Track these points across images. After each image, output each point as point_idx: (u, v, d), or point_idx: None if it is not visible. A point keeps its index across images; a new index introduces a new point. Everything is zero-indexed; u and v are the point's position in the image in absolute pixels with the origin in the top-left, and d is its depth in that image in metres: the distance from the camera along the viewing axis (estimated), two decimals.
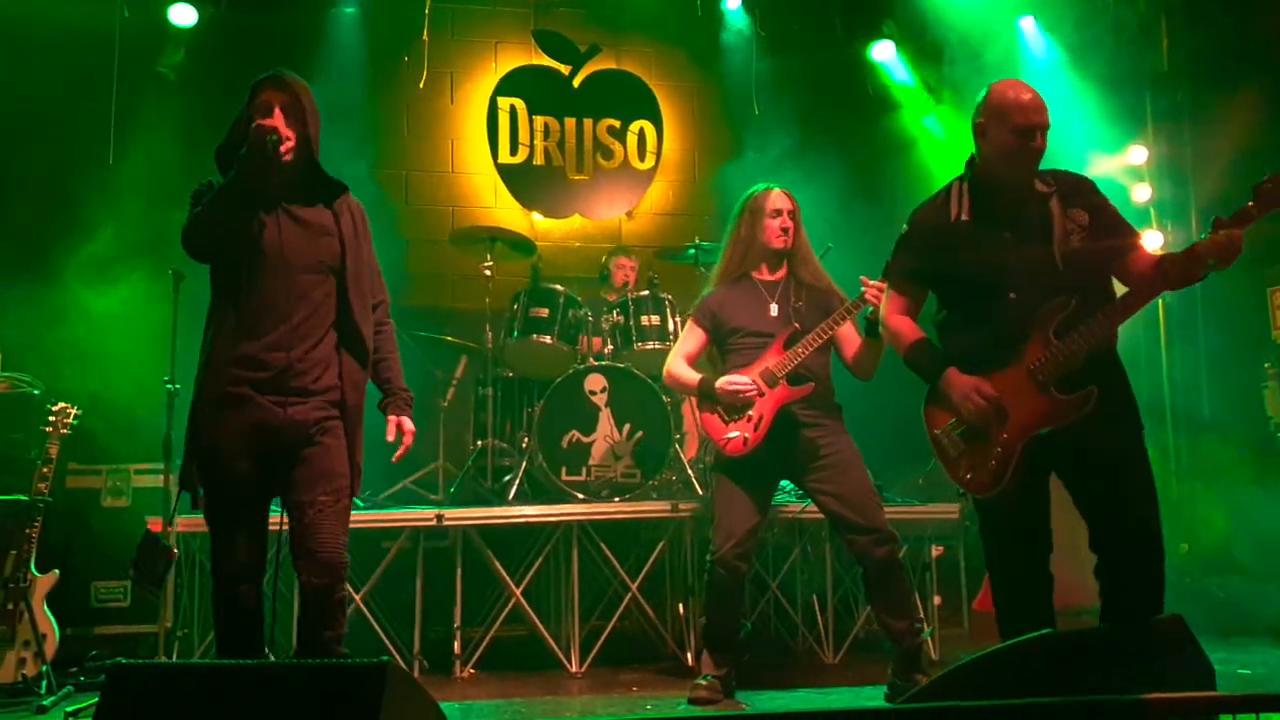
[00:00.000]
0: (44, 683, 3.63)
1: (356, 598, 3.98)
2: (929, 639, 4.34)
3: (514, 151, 6.37)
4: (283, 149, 2.59)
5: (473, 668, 4.18)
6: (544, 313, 4.75)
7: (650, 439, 4.50)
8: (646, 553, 4.47)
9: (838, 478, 3.42)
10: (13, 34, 5.11)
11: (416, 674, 4.01)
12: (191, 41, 5.64)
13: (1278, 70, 5.23)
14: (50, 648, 3.72)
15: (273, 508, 2.66)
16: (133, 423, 4.49)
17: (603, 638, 4.26)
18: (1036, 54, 6.12)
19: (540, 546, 4.38)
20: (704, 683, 3.48)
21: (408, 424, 2.83)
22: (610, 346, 4.78)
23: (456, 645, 4.18)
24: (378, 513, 4.30)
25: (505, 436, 4.90)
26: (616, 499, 4.41)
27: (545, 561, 4.38)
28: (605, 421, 4.51)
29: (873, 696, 3.56)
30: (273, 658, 3.18)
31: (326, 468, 2.57)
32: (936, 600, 4.55)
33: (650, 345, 4.64)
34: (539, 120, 6.41)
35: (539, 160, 6.38)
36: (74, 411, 3.95)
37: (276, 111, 2.61)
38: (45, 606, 3.77)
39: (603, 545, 4.36)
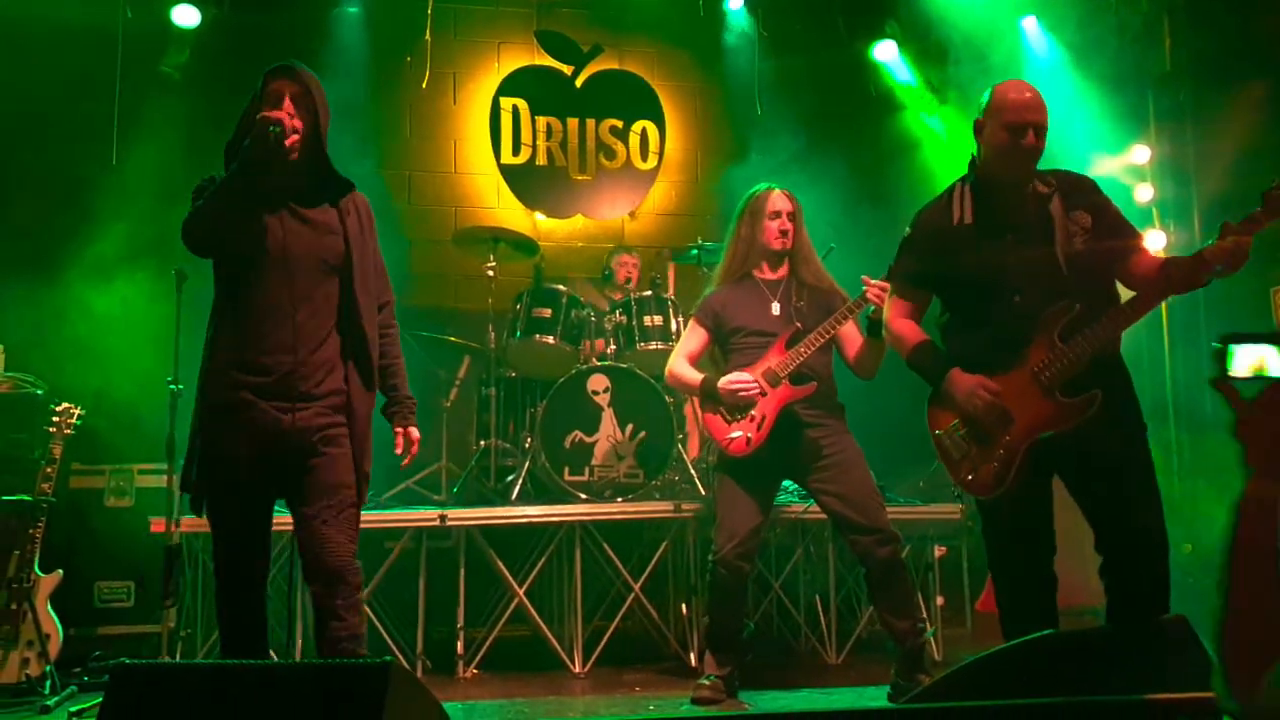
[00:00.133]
0: (48, 683, 3.64)
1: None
2: (932, 639, 4.35)
3: (516, 152, 6.37)
4: (289, 142, 2.51)
5: (476, 668, 4.19)
6: (547, 313, 4.76)
7: (653, 439, 4.50)
8: (649, 553, 4.47)
9: (840, 477, 3.41)
10: (16, 34, 5.11)
11: (419, 674, 4.02)
12: (194, 42, 5.64)
13: None
14: (54, 648, 3.72)
15: (277, 508, 2.65)
16: (136, 423, 4.50)
17: (605, 638, 4.26)
18: (1039, 54, 6.11)
19: (543, 547, 4.38)
20: (707, 683, 3.47)
21: (414, 433, 2.81)
22: (613, 347, 4.78)
23: (459, 645, 4.18)
24: (381, 513, 4.30)
25: (508, 437, 4.91)
26: (619, 499, 4.41)
27: (548, 562, 4.38)
28: (608, 421, 4.51)
29: (876, 697, 3.56)
30: (275, 658, 3.18)
31: (333, 480, 2.52)
32: (939, 601, 4.55)
33: (653, 345, 4.63)
34: (541, 120, 6.41)
35: (541, 160, 6.38)
36: (77, 412, 3.95)
37: (286, 101, 2.55)
38: (49, 606, 3.77)
39: (605, 545, 4.36)
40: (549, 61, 6.45)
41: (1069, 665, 1.62)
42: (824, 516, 3.69)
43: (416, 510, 4.30)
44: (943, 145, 6.31)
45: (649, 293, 4.79)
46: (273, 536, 2.66)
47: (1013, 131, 2.60)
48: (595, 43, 6.49)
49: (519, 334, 4.77)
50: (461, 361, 5.30)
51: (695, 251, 5.02)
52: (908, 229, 2.86)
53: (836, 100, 6.39)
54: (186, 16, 5.60)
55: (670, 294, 4.89)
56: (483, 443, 4.85)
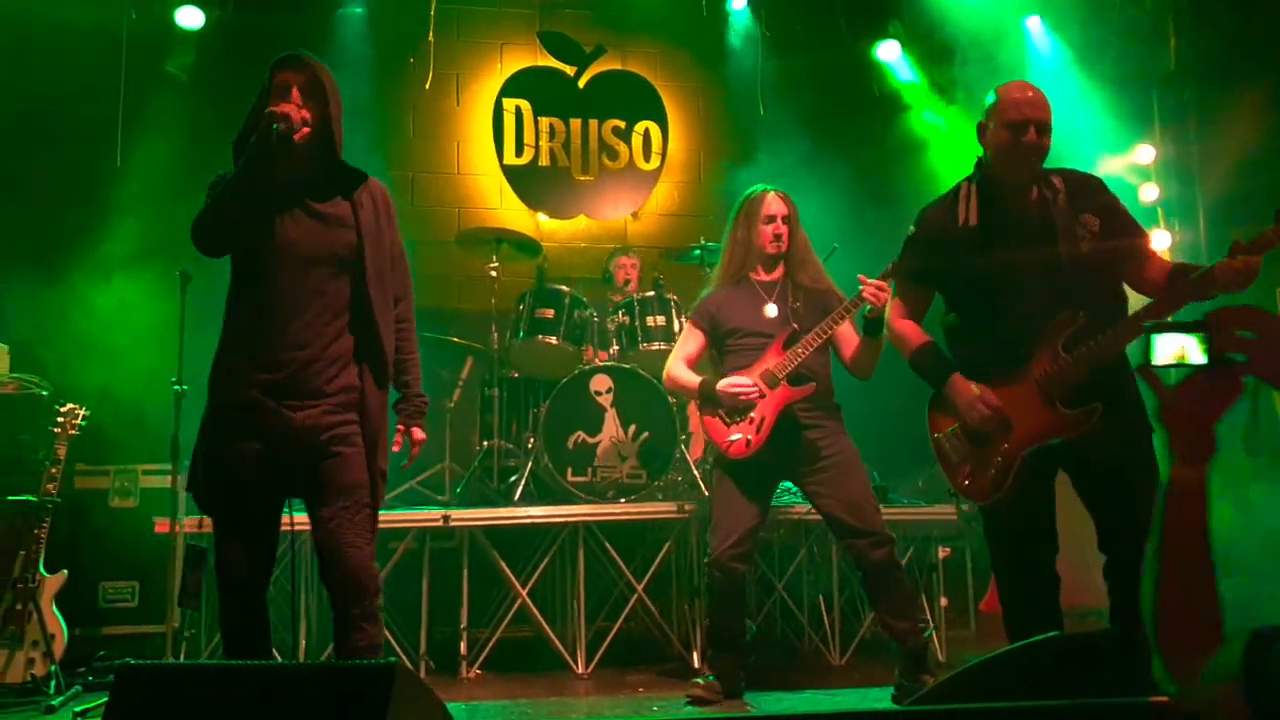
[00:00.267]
0: (52, 683, 3.64)
1: None
2: (936, 640, 4.34)
3: (519, 153, 6.37)
4: (298, 136, 2.45)
5: (479, 668, 4.19)
6: (549, 313, 4.76)
7: (656, 440, 4.50)
8: (652, 553, 4.47)
9: (837, 479, 3.41)
10: (21, 36, 5.13)
11: (423, 674, 4.02)
12: (198, 43, 5.66)
13: None
14: (59, 648, 3.72)
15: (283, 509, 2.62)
16: (140, 423, 4.51)
17: (609, 639, 4.26)
18: (1043, 53, 6.11)
19: (546, 547, 4.38)
20: (701, 682, 3.48)
21: (418, 433, 2.74)
22: (616, 348, 4.78)
23: (463, 646, 4.18)
24: (384, 513, 4.25)
25: (511, 437, 4.91)
26: (622, 500, 4.41)
27: (551, 562, 4.38)
28: (611, 422, 4.51)
29: (879, 698, 3.56)
30: (279, 658, 3.18)
31: (346, 481, 2.47)
32: (944, 602, 4.54)
33: (656, 346, 4.63)
34: (544, 121, 6.41)
35: (544, 161, 6.39)
36: (82, 412, 3.95)
37: (294, 93, 2.49)
38: (54, 606, 3.78)
39: (608, 546, 4.36)
40: (552, 62, 6.45)
41: (1075, 666, 1.61)
42: None
43: (420, 511, 4.30)
44: (947, 145, 6.30)
45: (651, 293, 4.79)
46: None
47: (1013, 130, 2.59)
48: (598, 43, 6.50)
49: (522, 334, 4.77)
50: (464, 362, 5.31)
51: (698, 252, 5.02)
52: (911, 227, 2.85)
53: (839, 100, 6.38)
54: (190, 18, 5.62)
55: (672, 294, 4.89)
56: (486, 443, 4.85)
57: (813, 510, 4.13)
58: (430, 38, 6.03)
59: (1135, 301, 2.64)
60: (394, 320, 2.68)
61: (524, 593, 4.23)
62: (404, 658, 4.04)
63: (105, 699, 1.79)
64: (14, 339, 4.57)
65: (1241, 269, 2.36)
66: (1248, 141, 5.35)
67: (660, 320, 4.70)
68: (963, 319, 2.78)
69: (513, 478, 4.69)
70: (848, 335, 3.48)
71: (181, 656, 3.85)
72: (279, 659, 3.39)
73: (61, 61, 5.23)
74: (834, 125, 6.20)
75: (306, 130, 2.48)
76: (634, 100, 6.54)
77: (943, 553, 4.61)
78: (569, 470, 4.44)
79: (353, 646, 2.44)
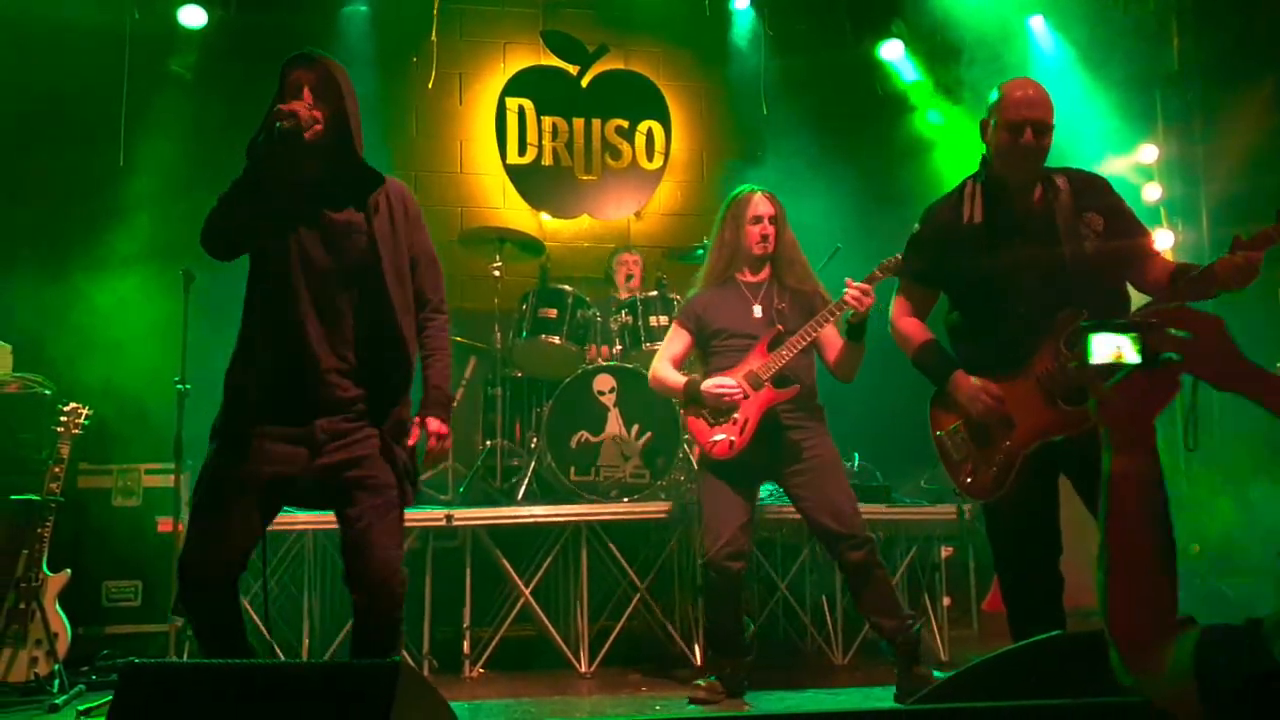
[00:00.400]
0: (56, 681, 3.64)
1: None
2: (936, 637, 4.34)
3: (522, 152, 6.37)
4: (309, 135, 2.37)
5: (482, 667, 4.19)
6: (552, 313, 4.76)
7: (659, 439, 4.50)
8: (655, 553, 4.48)
9: (816, 481, 3.41)
10: (24, 35, 5.13)
11: (426, 673, 4.02)
12: (201, 43, 5.66)
13: None
14: (62, 647, 3.73)
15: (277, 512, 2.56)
16: (143, 422, 4.51)
17: (611, 638, 4.26)
18: (1046, 53, 6.10)
19: (549, 546, 4.38)
20: (703, 683, 3.49)
21: (433, 424, 2.59)
22: (619, 347, 4.78)
23: (466, 645, 4.19)
24: None
25: (514, 437, 4.91)
26: (625, 499, 4.41)
27: (554, 561, 4.38)
28: (614, 422, 4.51)
29: (882, 697, 3.56)
30: (282, 656, 3.18)
31: (373, 482, 2.41)
32: (946, 601, 4.54)
33: (659, 345, 4.63)
34: (547, 120, 6.41)
35: (547, 161, 6.38)
36: (85, 412, 3.96)
37: (305, 92, 2.42)
38: (57, 606, 3.78)
39: (611, 545, 4.36)
40: (555, 62, 6.45)
41: (1079, 666, 1.61)
42: None
43: (423, 510, 4.29)
44: (952, 146, 6.29)
45: (655, 293, 4.79)
46: (268, 538, 2.53)
47: (1012, 130, 2.59)
48: (601, 43, 6.49)
49: (525, 334, 4.77)
50: (467, 362, 5.31)
51: (701, 252, 4.99)
52: (916, 225, 2.85)
53: (843, 100, 6.38)
54: (193, 17, 5.63)
55: (675, 294, 4.89)
56: (489, 443, 4.85)
57: None
58: (433, 37, 6.03)
59: (1137, 301, 2.64)
60: (418, 320, 2.60)
61: (527, 592, 4.23)
62: (407, 657, 4.04)
63: (109, 698, 1.80)
64: (17, 338, 4.58)
65: (1243, 265, 2.36)
66: (1251, 141, 5.35)
67: (663, 320, 4.70)
68: (965, 317, 2.77)
69: (515, 477, 4.69)
70: (831, 338, 3.46)
71: (184, 655, 3.85)
72: (282, 657, 3.40)
73: (64, 61, 5.24)
74: (837, 125, 6.19)
75: (319, 128, 2.41)
76: (637, 100, 6.54)
77: (945, 552, 4.60)
78: (572, 470, 4.45)
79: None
